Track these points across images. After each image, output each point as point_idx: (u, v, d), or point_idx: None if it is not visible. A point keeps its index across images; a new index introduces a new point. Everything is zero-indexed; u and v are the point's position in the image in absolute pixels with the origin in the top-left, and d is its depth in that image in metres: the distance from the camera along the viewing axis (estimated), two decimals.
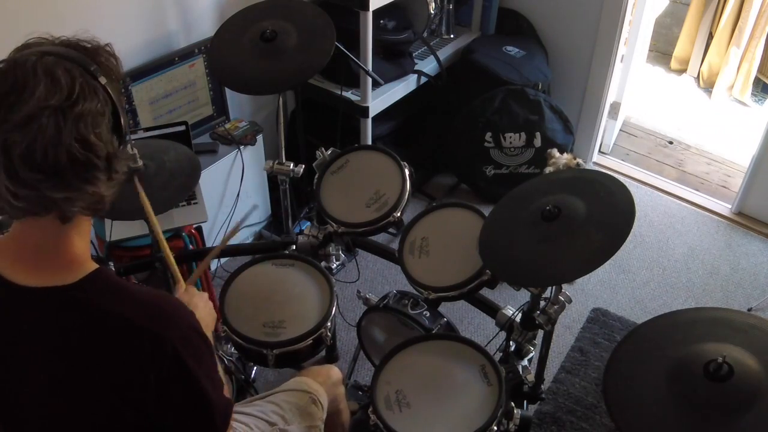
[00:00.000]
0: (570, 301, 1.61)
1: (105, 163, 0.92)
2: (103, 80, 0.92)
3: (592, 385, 2.30)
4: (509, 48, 3.02)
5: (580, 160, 1.64)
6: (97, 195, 0.93)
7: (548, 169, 1.64)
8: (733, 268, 2.82)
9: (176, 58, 2.34)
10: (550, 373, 2.32)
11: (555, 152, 2.55)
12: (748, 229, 3.02)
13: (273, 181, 2.28)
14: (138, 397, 0.98)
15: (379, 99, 2.65)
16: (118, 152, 0.94)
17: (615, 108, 3.36)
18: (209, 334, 1.29)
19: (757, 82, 3.96)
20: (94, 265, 1.00)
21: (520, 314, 1.70)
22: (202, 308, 1.31)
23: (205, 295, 1.36)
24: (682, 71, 4.24)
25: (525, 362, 1.72)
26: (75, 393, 0.98)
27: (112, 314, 0.96)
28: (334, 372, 1.64)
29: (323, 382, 1.57)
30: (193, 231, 2.28)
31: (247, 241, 2.76)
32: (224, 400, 1.09)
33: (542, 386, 1.78)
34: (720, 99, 3.97)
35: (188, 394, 1.01)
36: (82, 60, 0.92)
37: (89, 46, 0.97)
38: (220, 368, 1.19)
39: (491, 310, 1.83)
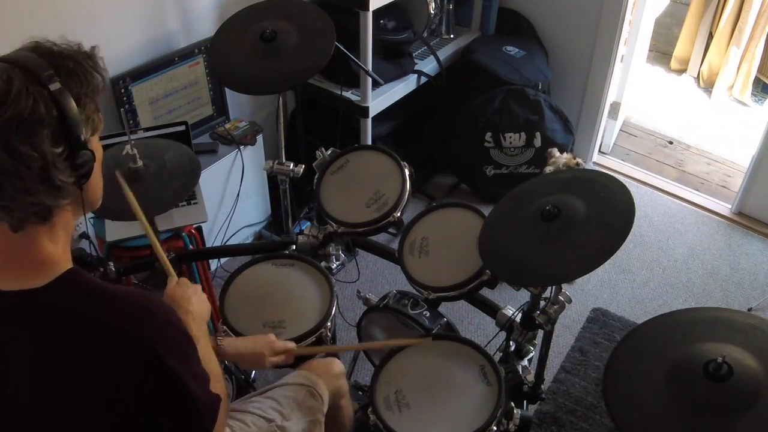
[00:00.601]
0: (570, 301, 1.61)
1: (39, 174, 0.90)
2: (55, 86, 0.90)
3: (592, 385, 2.30)
4: (509, 48, 3.02)
5: (579, 160, 1.63)
6: (41, 205, 0.93)
7: (548, 169, 1.63)
8: (733, 268, 2.82)
9: (176, 58, 2.34)
10: (550, 373, 2.32)
11: (555, 152, 2.54)
12: (748, 229, 3.02)
13: (273, 181, 2.28)
14: (118, 399, 0.96)
15: (379, 99, 2.65)
16: (59, 162, 0.91)
17: (615, 108, 3.36)
18: (203, 325, 1.29)
19: (757, 82, 3.96)
20: (68, 266, 0.99)
21: (520, 314, 1.70)
22: (196, 300, 1.31)
23: (198, 287, 1.35)
24: (682, 71, 4.24)
25: (525, 362, 1.72)
26: (55, 396, 0.97)
27: (84, 315, 0.95)
28: (336, 365, 1.62)
29: (323, 375, 1.55)
30: (193, 231, 2.28)
31: (247, 241, 2.76)
32: (210, 396, 1.07)
33: (542, 386, 1.78)
34: (720, 99, 3.97)
35: (169, 392, 0.99)
36: (35, 65, 0.90)
37: (58, 50, 0.95)
38: (212, 364, 1.18)
39: (491, 310, 1.83)
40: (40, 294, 0.95)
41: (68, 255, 1.01)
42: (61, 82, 0.91)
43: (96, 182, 1.02)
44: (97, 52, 0.99)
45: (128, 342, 0.95)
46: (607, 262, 1.34)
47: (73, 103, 0.92)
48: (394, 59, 2.76)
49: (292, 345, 1.52)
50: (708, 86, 4.08)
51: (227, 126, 2.58)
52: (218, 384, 1.15)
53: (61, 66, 0.93)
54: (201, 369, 1.06)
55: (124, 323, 0.95)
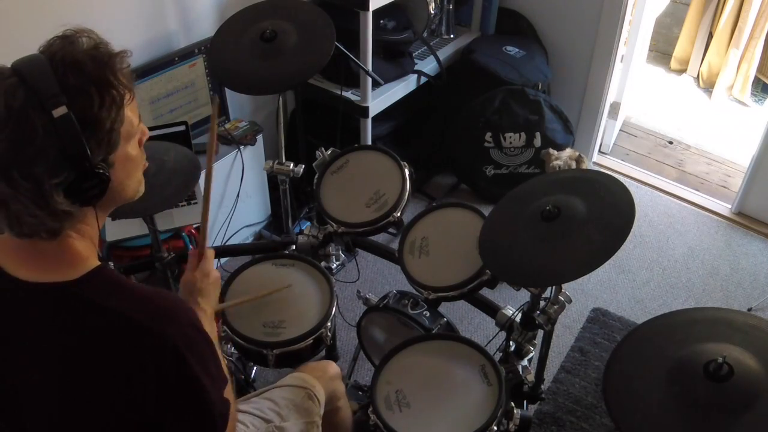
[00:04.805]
0: (570, 301, 1.61)
1: (36, 201, 0.88)
2: (59, 112, 0.86)
3: (592, 385, 2.30)
4: (509, 48, 3.02)
5: (580, 154, 1.60)
6: (45, 226, 0.92)
7: (556, 164, 1.60)
8: (733, 268, 2.82)
9: (176, 58, 2.34)
10: (550, 373, 2.32)
11: (552, 152, 2.54)
12: (748, 229, 3.02)
13: (273, 181, 2.28)
14: (138, 395, 0.97)
15: (379, 99, 2.65)
16: (56, 193, 0.89)
17: (615, 108, 3.36)
18: (213, 324, 1.30)
19: (756, 82, 3.96)
20: (96, 263, 1.00)
21: (520, 314, 1.70)
22: (213, 297, 1.33)
23: (218, 279, 1.37)
24: (682, 71, 4.24)
25: (525, 362, 1.72)
26: (74, 390, 0.98)
27: (111, 311, 0.96)
28: (332, 367, 1.63)
29: (320, 377, 1.56)
30: (193, 231, 2.28)
31: (247, 241, 2.76)
32: (223, 400, 1.08)
33: (542, 386, 1.78)
34: (720, 99, 3.97)
35: (187, 392, 1.00)
36: (42, 83, 0.86)
37: (76, 57, 0.90)
38: (224, 367, 1.19)
39: (491, 310, 1.83)
40: (71, 287, 0.96)
41: (93, 250, 1.01)
42: (68, 104, 0.87)
43: (122, 181, 1.00)
44: (121, 59, 0.97)
45: (154, 340, 0.96)
46: (607, 262, 1.34)
47: (79, 130, 0.88)
48: (394, 59, 2.75)
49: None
50: (708, 86, 4.08)
51: (227, 126, 2.58)
52: (229, 389, 1.16)
53: (71, 85, 0.88)
54: (219, 372, 1.07)
55: (151, 321, 0.96)
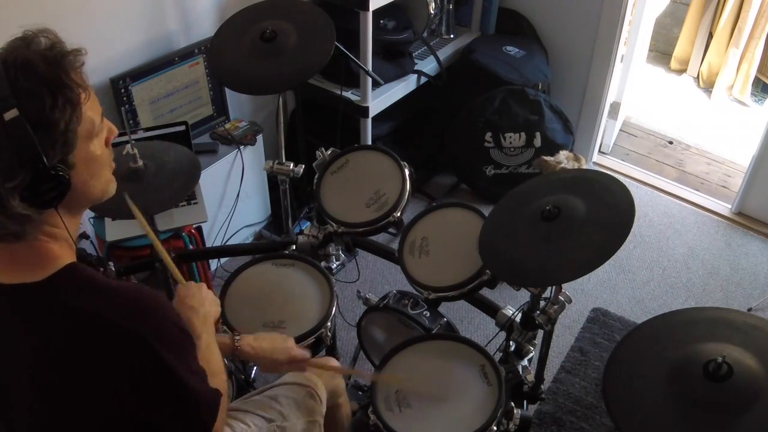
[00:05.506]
0: (570, 301, 1.61)
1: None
2: (10, 115, 0.85)
3: (592, 385, 2.30)
4: (509, 48, 3.02)
5: (576, 154, 1.58)
6: (6, 230, 0.91)
7: (566, 162, 1.57)
8: (733, 268, 2.82)
9: (176, 58, 2.34)
10: (550, 373, 2.32)
11: (548, 158, 2.53)
12: (748, 229, 3.02)
13: (273, 181, 2.28)
14: (114, 395, 0.96)
15: (379, 99, 2.65)
16: (12, 196, 0.88)
17: (615, 108, 3.36)
18: (208, 322, 1.26)
19: (756, 82, 3.96)
20: (68, 261, 0.98)
21: (520, 314, 1.70)
22: (200, 298, 1.29)
23: (203, 285, 1.33)
24: (682, 71, 4.24)
25: (525, 362, 1.72)
26: (52, 391, 0.97)
27: (80, 311, 0.94)
28: (332, 363, 1.63)
29: (321, 374, 1.55)
30: (193, 231, 2.28)
31: (247, 241, 2.76)
32: (210, 392, 1.06)
33: (542, 386, 1.78)
34: (720, 99, 3.97)
35: (166, 387, 0.99)
36: None
37: (27, 57, 0.89)
38: (214, 360, 1.17)
39: (491, 310, 1.83)
40: (37, 288, 0.95)
41: (68, 250, 1.00)
42: (19, 107, 0.86)
43: (86, 182, 0.98)
44: (74, 58, 0.93)
45: (123, 337, 0.95)
46: (607, 262, 1.34)
47: (31, 133, 0.87)
48: (394, 59, 2.76)
49: (308, 354, 1.44)
50: (708, 86, 4.08)
51: (227, 126, 2.58)
52: (218, 379, 1.14)
53: (22, 87, 0.87)
54: (198, 365, 1.06)
55: (119, 318, 0.95)
